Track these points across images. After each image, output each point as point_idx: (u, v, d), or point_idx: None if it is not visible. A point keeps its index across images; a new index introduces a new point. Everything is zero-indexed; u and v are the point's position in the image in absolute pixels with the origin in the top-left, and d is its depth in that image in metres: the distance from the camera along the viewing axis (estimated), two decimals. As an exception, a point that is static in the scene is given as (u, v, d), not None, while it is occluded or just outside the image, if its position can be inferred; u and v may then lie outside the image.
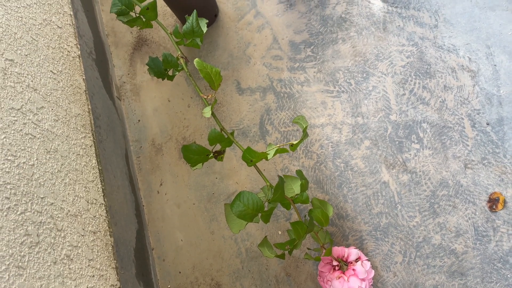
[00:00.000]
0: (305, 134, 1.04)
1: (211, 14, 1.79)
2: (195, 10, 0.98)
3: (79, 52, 1.52)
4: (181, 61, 1.00)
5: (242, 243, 1.47)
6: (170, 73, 1.06)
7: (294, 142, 1.03)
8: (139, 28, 1.00)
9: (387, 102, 1.49)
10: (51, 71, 1.27)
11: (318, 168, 1.48)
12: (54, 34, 1.38)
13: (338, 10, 1.68)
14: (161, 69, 1.03)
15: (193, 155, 1.02)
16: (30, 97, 1.11)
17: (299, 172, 1.13)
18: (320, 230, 1.22)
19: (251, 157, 0.99)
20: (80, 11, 1.69)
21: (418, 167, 1.38)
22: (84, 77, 1.48)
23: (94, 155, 1.34)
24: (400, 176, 1.39)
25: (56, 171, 1.09)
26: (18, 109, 1.04)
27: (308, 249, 1.24)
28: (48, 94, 1.20)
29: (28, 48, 1.19)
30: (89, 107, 1.43)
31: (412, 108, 1.46)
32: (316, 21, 1.68)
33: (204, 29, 1.01)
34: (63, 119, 1.23)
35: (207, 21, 1.03)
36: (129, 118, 1.75)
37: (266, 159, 1.04)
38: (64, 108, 1.26)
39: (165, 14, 1.88)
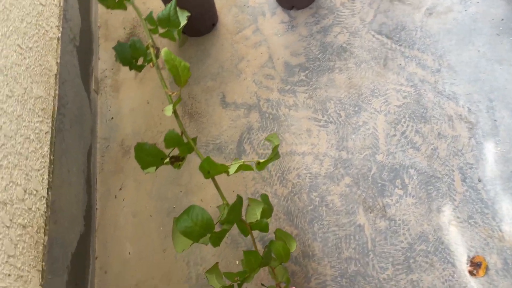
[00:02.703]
0: (274, 153, 0.92)
1: (209, 22, 1.71)
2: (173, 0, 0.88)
3: (60, 35, 1.43)
4: (151, 50, 0.90)
5: (194, 268, 1.33)
6: (140, 62, 0.95)
7: (261, 160, 0.91)
8: (110, 8, 0.90)
9: (376, 140, 1.39)
10: (18, 45, 1.17)
11: (291, 199, 1.35)
12: (33, 9, 1.28)
13: (339, 39, 1.60)
14: (128, 56, 0.92)
15: (146, 156, 0.90)
16: (-18, 64, 1.00)
17: (264, 197, 1.01)
18: (278, 265, 1.08)
19: (209, 168, 0.87)
20: (73, -5, 1.61)
21: (398, 215, 1.26)
22: (58, 61, 1.38)
23: (49, 143, 1.22)
24: (377, 222, 1.27)
25: (-8, 149, 0.97)
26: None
27: (263, 285, 1.10)
28: (8, 67, 1.10)
29: (-4, 14, 1.09)
30: (56, 92, 1.32)
31: (401, 151, 1.35)
32: (316, 47, 1.60)
33: (183, 21, 0.91)
34: (19, 97, 1.11)
35: (189, 14, 0.94)
36: (102, 114, 1.63)
37: (227, 174, 0.92)
38: (23, 86, 1.14)
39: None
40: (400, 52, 1.52)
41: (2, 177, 0.98)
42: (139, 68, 0.96)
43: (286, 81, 1.56)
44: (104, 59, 1.76)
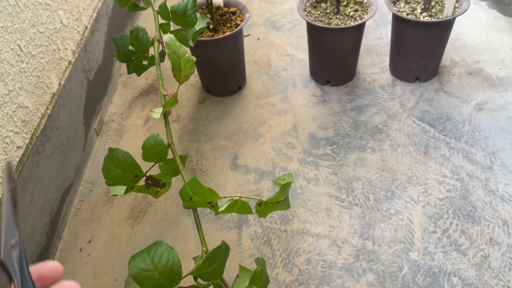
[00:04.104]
0: (284, 195, 0.68)
1: (235, 85, 1.59)
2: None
3: (72, 60, 1.31)
4: (155, 44, 0.74)
5: None
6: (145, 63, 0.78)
7: (265, 200, 0.67)
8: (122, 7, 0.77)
9: (410, 234, 1.11)
10: (18, 45, 1.04)
11: (294, 289, 1.05)
12: (50, 23, 1.19)
13: (375, 119, 1.42)
14: (127, 49, 0.76)
15: (116, 167, 0.68)
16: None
17: (259, 261, 0.74)
18: None
19: (192, 193, 0.63)
20: (100, 33, 1.54)
21: (436, 336, 0.93)
22: (62, 83, 1.24)
23: (17, 159, 1.01)
24: None
25: None
26: None
27: None
28: (-5, 59, 0.95)
29: (3, 6, 0.98)
30: (48, 111, 1.15)
31: (442, 252, 1.07)
32: (347, 123, 1.43)
33: (201, 24, 0.76)
34: (-3, 94, 0.95)
35: (210, 21, 0.79)
36: (96, 156, 1.44)
37: (215, 211, 0.68)
38: (8, 87, 0.98)
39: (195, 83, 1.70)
40: (445, 142, 1.32)
41: None
42: (138, 70, 0.79)
43: (309, 153, 1.36)
44: (117, 104, 1.62)
